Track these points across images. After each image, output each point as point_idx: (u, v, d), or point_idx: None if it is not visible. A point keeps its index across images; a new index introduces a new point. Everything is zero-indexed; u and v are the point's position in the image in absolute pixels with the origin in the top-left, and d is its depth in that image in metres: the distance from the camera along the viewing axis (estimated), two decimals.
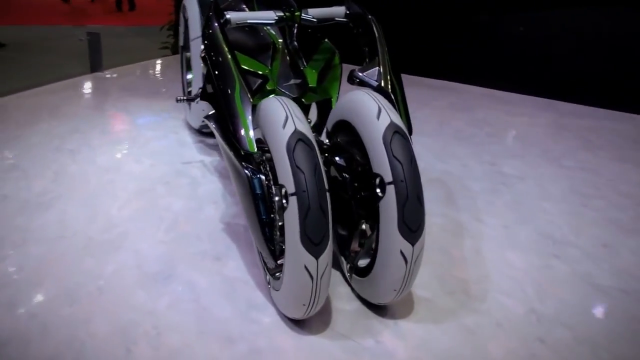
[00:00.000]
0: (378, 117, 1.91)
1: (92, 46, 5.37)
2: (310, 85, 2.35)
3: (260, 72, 2.35)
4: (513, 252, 2.60)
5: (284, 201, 1.78)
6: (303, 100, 2.31)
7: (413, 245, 1.85)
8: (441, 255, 2.54)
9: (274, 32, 2.48)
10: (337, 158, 2.23)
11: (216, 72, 2.13)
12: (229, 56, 2.11)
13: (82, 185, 3.14)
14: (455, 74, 5.62)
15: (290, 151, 1.77)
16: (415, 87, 5.36)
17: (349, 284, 2.27)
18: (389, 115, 1.91)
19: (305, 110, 2.37)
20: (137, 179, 3.24)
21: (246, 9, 2.70)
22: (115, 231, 2.67)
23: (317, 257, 1.76)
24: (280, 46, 2.44)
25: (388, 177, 1.85)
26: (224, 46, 2.14)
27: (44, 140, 3.76)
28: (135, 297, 2.20)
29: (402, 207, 1.83)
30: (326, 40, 2.63)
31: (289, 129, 1.81)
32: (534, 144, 4.04)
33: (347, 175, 2.16)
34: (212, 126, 2.18)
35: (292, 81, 2.30)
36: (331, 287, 2.25)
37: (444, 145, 3.90)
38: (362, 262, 2.15)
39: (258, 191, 1.97)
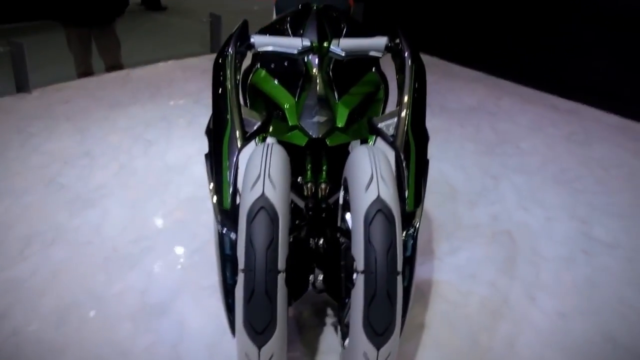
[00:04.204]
0: (367, 188, 1.65)
1: (214, 28, 5.40)
2: (337, 125, 2.05)
3: (281, 104, 2.12)
4: (558, 353, 2.19)
5: (236, 277, 1.61)
6: (327, 141, 2.01)
7: (378, 349, 1.60)
8: (464, 339, 2.22)
9: (309, 58, 2.21)
10: (347, 216, 1.98)
11: (213, 106, 1.94)
12: (228, 92, 1.89)
13: (139, 184, 3.15)
14: (589, 95, 4.91)
15: (249, 221, 1.59)
16: (536, 106, 4.82)
17: None
18: (379, 188, 1.64)
19: (333, 154, 2.11)
20: (194, 184, 3.19)
21: (288, 30, 2.43)
22: (142, 245, 2.64)
23: (259, 346, 1.57)
24: (312, 75, 2.18)
25: (360, 265, 1.61)
26: (227, 78, 1.91)
27: (129, 126, 3.84)
28: (120, 330, 2.15)
29: (368, 304, 1.59)
30: (374, 70, 2.33)
31: (255, 193, 1.62)
32: None
33: (343, 241, 1.92)
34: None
35: (317, 118, 2.04)
36: None
37: (537, 188, 3.44)
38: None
39: (228, 252, 1.79)
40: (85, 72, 4.59)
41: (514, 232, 2.96)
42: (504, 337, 2.24)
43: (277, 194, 1.62)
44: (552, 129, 4.40)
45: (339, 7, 2.63)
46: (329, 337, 2.16)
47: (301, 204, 2.09)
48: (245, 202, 1.62)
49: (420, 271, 2.55)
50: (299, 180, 2.08)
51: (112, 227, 2.75)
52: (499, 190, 3.38)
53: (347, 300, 1.93)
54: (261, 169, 1.67)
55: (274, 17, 3.08)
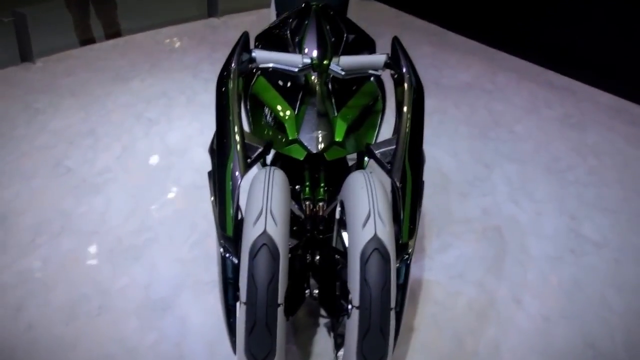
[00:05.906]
0: (364, 225, 1.72)
1: None
2: (336, 139, 2.08)
3: (280, 117, 2.15)
4: (540, 358, 2.26)
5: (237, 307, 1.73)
6: (325, 155, 2.06)
7: None
8: (451, 342, 2.34)
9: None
10: (343, 235, 2.08)
11: (216, 127, 1.97)
12: (232, 115, 1.91)
13: (141, 168, 3.25)
14: (584, 70, 4.81)
15: (252, 256, 1.67)
16: (531, 83, 4.79)
17: None
18: (375, 226, 1.71)
19: (330, 167, 2.19)
20: (194, 169, 3.27)
21: (287, 35, 2.45)
22: (145, 236, 2.75)
23: None
24: (312, 87, 2.23)
25: (355, 300, 1.73)
26: (230, 102, 1.93)
27: (130, 103, 3.90)
28: (127, 327, 2.28)
29: (362, 337, 1.70)
30: (372, 79, 2.36)
31: (258, 229, 1.68)
32: None
33: (339, 259, 2.03)
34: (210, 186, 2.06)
35: (315, 133, 2.06)
36: None
37: (529, 178, 3.50)
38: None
39: (230, 275, 1.90)
40: (85, 36, 4.66)
41: (503, 227, 3.04)
42: (489, 341, 2.35)
43: (278, 229, 1.70)
44: (547, 110, 4.38)
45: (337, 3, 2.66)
46: (323, 340, 2.29)
47: (299, 212, 2.18)
48: (248, 237, 1.70)
49: (411, 270, 2.65)
50: (297, 188, 2.17)
51: (116, 215, 2.86)
52: (490, 180, 3.43)
53: (341, 314, 2.05)
54: (263, 202, 1.73)
55: (272, 11, 3.11)
